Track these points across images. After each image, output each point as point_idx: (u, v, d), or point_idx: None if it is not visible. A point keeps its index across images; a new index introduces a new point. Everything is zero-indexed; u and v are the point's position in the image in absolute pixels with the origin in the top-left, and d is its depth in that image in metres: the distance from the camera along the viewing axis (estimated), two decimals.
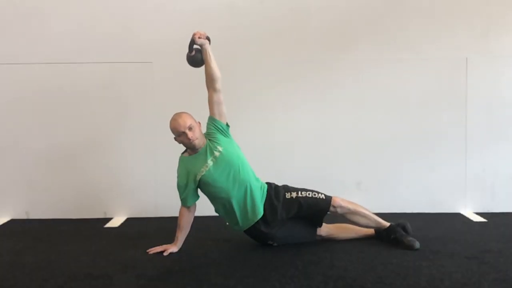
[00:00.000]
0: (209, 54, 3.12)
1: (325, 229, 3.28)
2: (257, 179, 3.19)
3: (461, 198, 4.10)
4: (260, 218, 3.13)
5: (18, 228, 3.84)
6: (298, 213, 3.15)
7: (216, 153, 3.07)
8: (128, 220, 4.02)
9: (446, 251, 3.04)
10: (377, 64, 4.06)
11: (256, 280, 2.62)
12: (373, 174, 4.11)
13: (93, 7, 4.04)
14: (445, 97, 4.07)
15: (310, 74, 4.07)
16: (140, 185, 4.10)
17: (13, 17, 4.03)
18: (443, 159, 4.09)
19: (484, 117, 4.07)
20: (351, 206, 3.18)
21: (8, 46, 4.04)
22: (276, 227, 3.16)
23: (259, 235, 3.18)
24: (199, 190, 3.16)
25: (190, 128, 3.01)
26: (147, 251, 3.12)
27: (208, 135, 3.15)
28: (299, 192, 3.17)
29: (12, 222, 4.02)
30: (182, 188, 3.11)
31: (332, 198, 3.16)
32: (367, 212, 3.23)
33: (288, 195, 3.16)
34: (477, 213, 4.01)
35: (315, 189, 3.21)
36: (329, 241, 3.27)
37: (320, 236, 3.27)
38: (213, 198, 3.16)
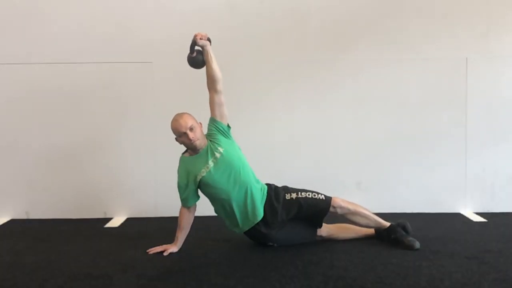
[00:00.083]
0: (210, 55, 3.12)
1: (326, 230, 3.28)
2: (257, 181, 3.19)
3: (461, 198, 4.10)
4: (260, 220, 3.13)
5: (18, 228, 3.84)
6: (298, 214, 3.14)
7: (217, 154, 3.07)
8: (128, 220, 4.02)
9: (446, 251, 3.04)
10: (377, 64, 4.06)
11: (256, 280, 2.62)
12: (373, 174, 4.10)
13: (93, 7, 4.04)
14: (445, 97, 4.07)
15: (310, 74, 4.07)
16: (140, 185, 4.10)
17: (13, 17, 4.03)
18: (443, 159, 4.08)
19: (484, 117, 4.07)
20: (351, 207, 3.17)
21: (8, 46, 4.04)
22: (276, 228, 3.16)
23: (259, 236, 3.18)
24: (199, 190, 3.16)
25: (191, 129, 3.01)
26: (147, 251, 3.12)
27: (209, 136, 3.14)
28: (299, 193, 3.16)
29: (12, 222, 4.02)
30: (182, 189, 3.11)
31: (332, 198, 3.15)
32: (367, 212, 3.23)
33: (288, 196, 3.16)
34: (477, 213, 4.01)
35: (315, 190, 3.20)
36: (329, 241, 3.27)
37: (321, 236, 3.27)
38: (213, 199, 3.16)
